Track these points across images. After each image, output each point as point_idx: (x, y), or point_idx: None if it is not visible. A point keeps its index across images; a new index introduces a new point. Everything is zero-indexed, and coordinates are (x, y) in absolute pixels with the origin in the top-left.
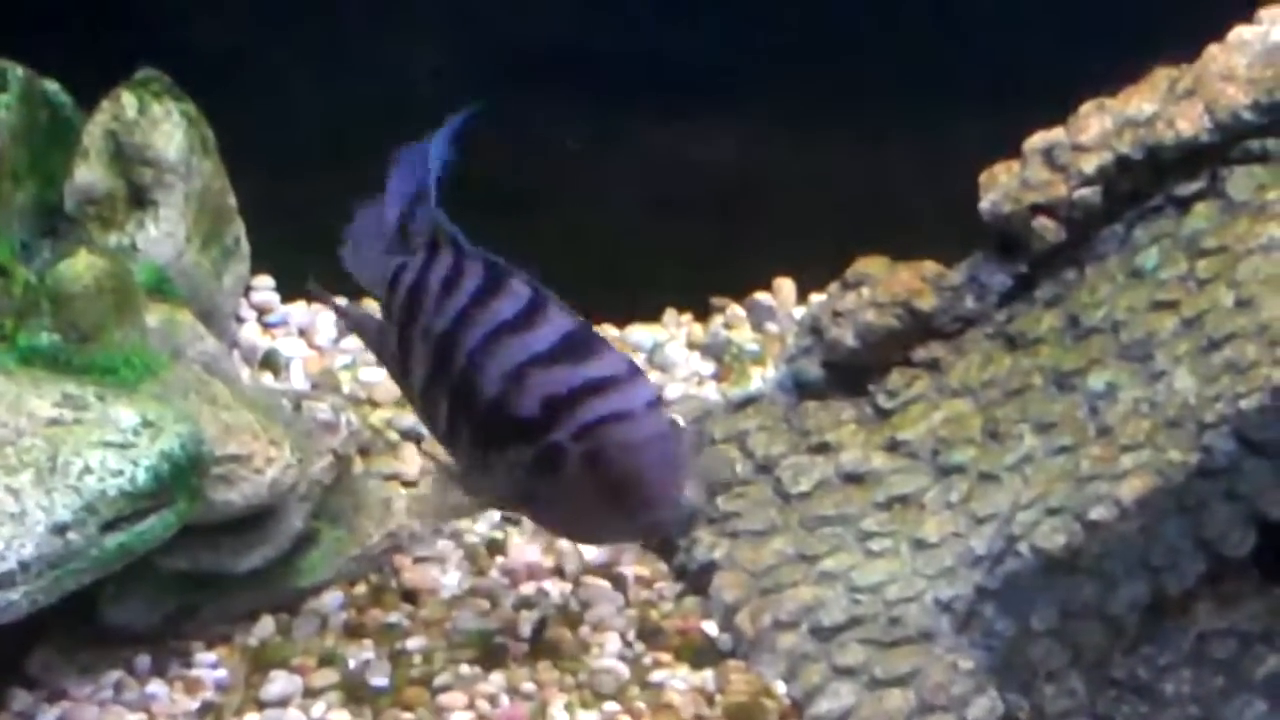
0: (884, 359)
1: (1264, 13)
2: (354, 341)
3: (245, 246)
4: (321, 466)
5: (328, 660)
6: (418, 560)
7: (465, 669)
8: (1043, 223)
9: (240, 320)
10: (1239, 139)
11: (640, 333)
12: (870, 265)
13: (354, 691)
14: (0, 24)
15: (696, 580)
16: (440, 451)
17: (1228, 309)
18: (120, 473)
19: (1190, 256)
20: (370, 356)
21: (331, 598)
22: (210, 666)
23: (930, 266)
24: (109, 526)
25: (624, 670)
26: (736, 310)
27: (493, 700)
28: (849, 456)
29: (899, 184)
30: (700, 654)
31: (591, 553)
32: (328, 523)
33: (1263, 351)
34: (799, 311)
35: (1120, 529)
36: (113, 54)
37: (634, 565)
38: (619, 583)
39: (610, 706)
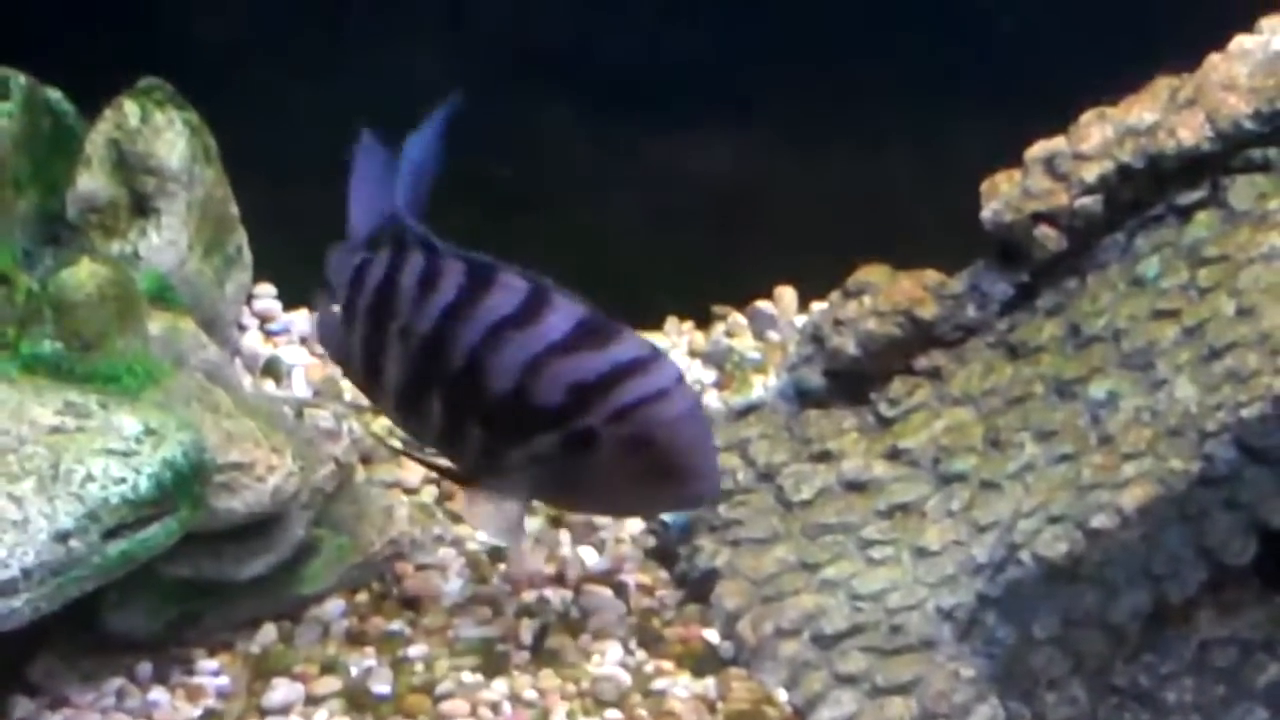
0: (885, 367)
1: (1265, 22)
2: None
3: (247, 255)
4: (323, 474)
5: (330, 668)
6: (419, 568)
7: (467, 676)
8: (1044, 231)
9: (242, 328)
10: (1240, 148)
11: None
12: (872, 274)
13: (356, 699)
14: (3, 32)
15: (698, 588)
16: (428, 458)
17: (1229, 318)
18: (123, 480)
19: (1191, 265)
20: None
21: (333, 605)
22: (212, 674)
23: (932, 275)
24: (111, 534)
25: (625, 678)
26: (738, 318)
27: (495, 708)
28: (850, 465)
29: (900, 192)
30: (702, 662)
31: (593, 560)
32: (330, 530)
33: (1264, 360)
34: (800, 320)
35: (1122, 537)
36: (115, 62)
37: (635, 573)
38: (620, 590)
39: (612, 714)
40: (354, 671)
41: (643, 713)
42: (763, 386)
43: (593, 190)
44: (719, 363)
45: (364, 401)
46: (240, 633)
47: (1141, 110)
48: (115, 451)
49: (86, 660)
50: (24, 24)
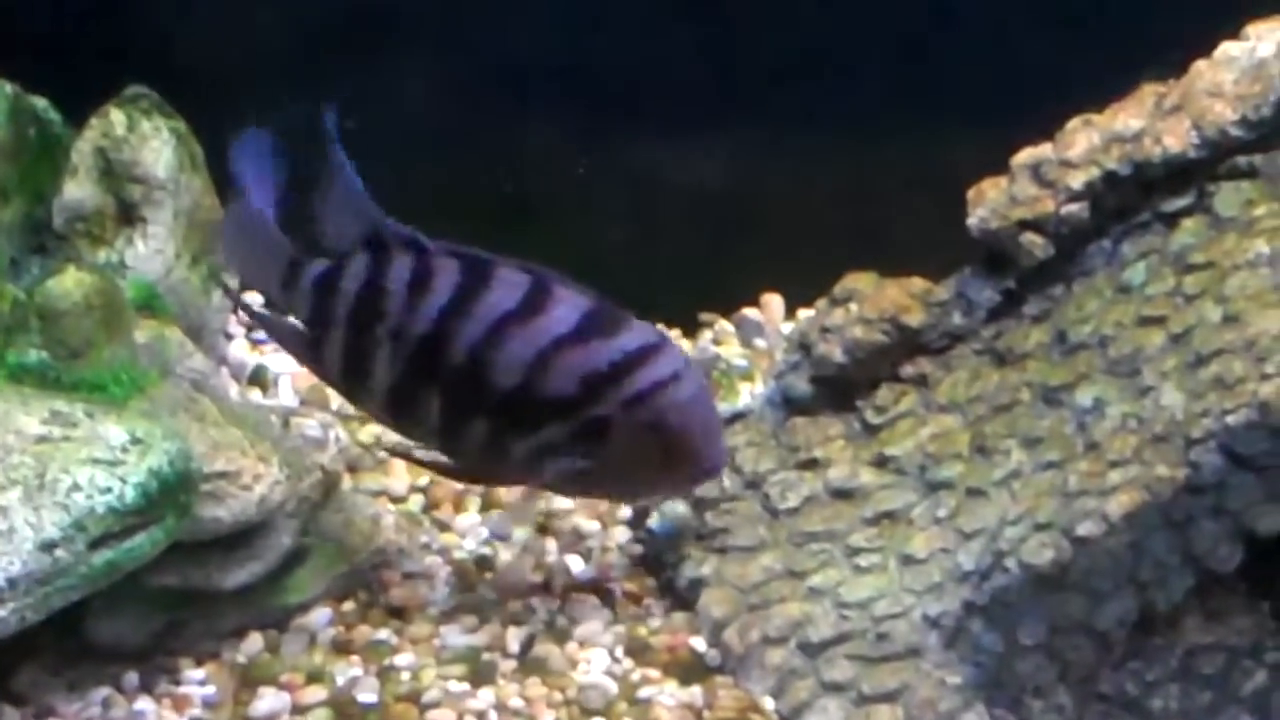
0: (872, 375)
1: (1251, 29)
2: None
3: None
4: (310, 483)
5: (316, 677)
6: (406, 576)
7: (454, 685)
8: (1030, 238)
9: (229, 337)
10: (1226, 155)
11: None
12: (858, 281)
13: (342, 708)
14: None
15: (684, 596)
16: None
17: (1215, 324)
18: (109, 490)
19: (1178, 272)
20: None
21: (320, 614)
22: (198, 683)
23: (918, 282)
24: (97, 543)
25: (612, 686)
26: (725, 326)
27: (481, 716)
28: (837, 472)
29: (887, 200)
30: (688, 670)
31: (580, 568)
32: (316, 539)
33: (1250, 367)
34: (787, 327)
35: (1108, 544)
36: (102, 71)
37: (622, 581)
38: (607, 599)
39: None
40: (340, 680)
41: None
42: (750, 394)
43: (580, 198)
44: (706, 370)
45: (351, 410)
46: (226, 642)
47: (1127, 117)
48: (101, 461)
49: (72, 670)
50: (10, 33)
